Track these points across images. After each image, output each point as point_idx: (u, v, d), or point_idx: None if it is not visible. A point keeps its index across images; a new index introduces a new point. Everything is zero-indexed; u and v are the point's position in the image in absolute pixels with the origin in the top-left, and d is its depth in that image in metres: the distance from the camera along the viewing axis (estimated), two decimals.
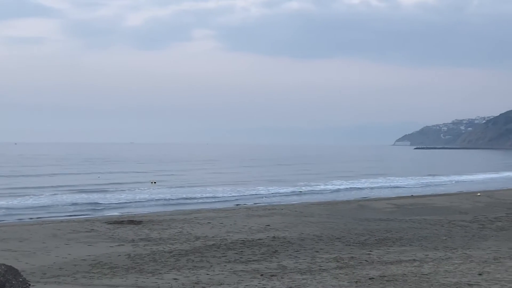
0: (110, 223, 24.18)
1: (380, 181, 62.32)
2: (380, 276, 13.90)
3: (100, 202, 38.05)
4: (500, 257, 16.40)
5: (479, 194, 38.88)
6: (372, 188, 53.09)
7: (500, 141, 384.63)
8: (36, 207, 35.15)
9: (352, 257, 16.66)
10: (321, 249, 18.20)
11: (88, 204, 37.40)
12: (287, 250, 17.95)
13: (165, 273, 14.74)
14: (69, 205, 36.55)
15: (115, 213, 32.41)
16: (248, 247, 18.43)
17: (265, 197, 43.88)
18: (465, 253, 17.20)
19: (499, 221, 25.11)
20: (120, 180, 58.93)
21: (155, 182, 55.56)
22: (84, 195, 42.55)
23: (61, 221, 26.29)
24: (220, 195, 44.09)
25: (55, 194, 42.33)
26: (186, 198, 41.42)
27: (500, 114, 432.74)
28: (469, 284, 12.91)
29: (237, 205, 36.50)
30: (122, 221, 24.98)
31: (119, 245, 18.98)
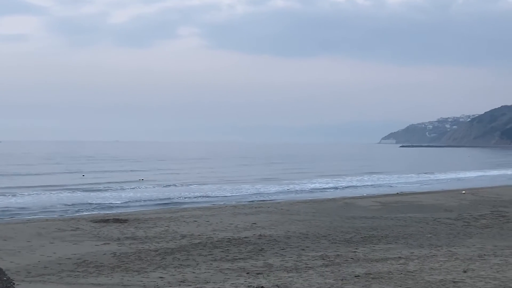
0: (96, 222, 24.08)
1: (366, 179, 62.57)
2: (366, 274, 13.94)
3: (85, 201, 37.86)
4: (484, 255, 16.52)
5: (464, 192, 39.10)
6: (357, 186, 53.27)
7: (485, 139, 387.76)
8: (19, 206, 34.87)
9: (338, 255, 16.71)
10: (307, 247, 18.23)
11: (73, 202, 37.20)
12: (273, 248, 17.96)
13: (151, 271, 14.70)
14: (54, 204, 36.32)
15: (101, 211, 32.28)
16: (234, 245, 18.43)
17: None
18: (450, 251, 17.30)
19: (484, 218, 25.28)
20: (105, 179, 58.70)
21: (142, 180, 55.41)
22: (68, 194, 42.34)
23: (46, 220, 26.14)
24: (209, 193, 44.04)
25: (39, 193, 42.06)
26: (172, 198, 41.28)
27: (485, 112, 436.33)
28: (454, 281, 12.98)
29: (224, 203, 36.48)
30: (108, 219, 24.88)
31: (104, 243, 18.90)
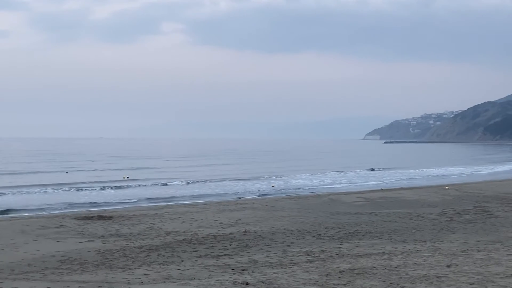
0: (80, 219, 23.96)
1: (350, 175, 62.78)
2: (350, 269, 14.00)
3: (69, 198, 37.64)
4: (467, 250, 16.64)
5: (447, 187, 39.36)
6: (342, 182, 53.42)
7: (468, 135, 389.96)
8: (2, 204, 34.58)
9: (323, 251, 16.76)
10: (292, 243, 18.27)
11: (56, 200, 36.98)
12: (258, 244, 17.98)
13: (135, 268, 14.67)
14: (37, 201, 36.07)
15: (85, 208, 32.11)
16: (219, 242, 18.42)
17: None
18: (434, 246, 17.42)
19: (467, 214, 25.47)
20: (89, 175, 58.41)
21: (128, 177, 55.19)
22: (51, 191, 42.08)
23: (30, 217, 25.97)
24: (194, 190, 43.98)
25: (21, 191, 41.74)
26: (156, 195, 41.14)
27: (468, 109, 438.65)
28: (437, 276, 13.07)
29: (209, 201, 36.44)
30: (92, 216, 24.77)
31: (88, 240, 18.83)
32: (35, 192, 41.21)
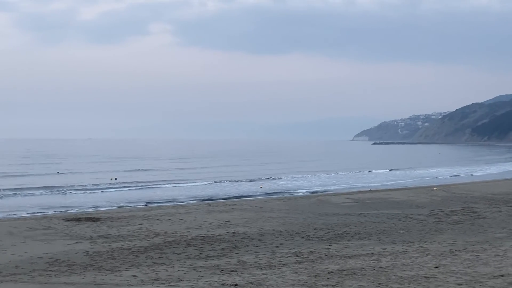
0: (68, 220, 23.86)
1: (339, 176, 62.88)
2: (339, 270, 14.02)
3: (58, 199, 37.48)
4: (455, 250, 16.71)
5: (435, 188, 39.49)
6: (331, 183, 53.50)
7: (456, 136, 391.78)
8: None
9: (312, 252, 16.78)
10: (280, 244, 18.27)
11: (46, 201, 36.83)
12: (247, 246, 17.97)
13: (124, 270, 14.62)
14: (26, 202, 35.90)
15: (73, 210, 31.97)
16: (208, 243, 18.40)
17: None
18: (422, 247, 17.48)
19: (455, 214, 25.57)
20: (79, 177, 58.18)
21: (116, 179, 55.00)
22: (42, 192, 41.88)
23: (17, 219, 25.83)
24: (183, 192, 43.91)
25: (9, 193, 41.51)
26: (145, 196, 41.04)
27: (456, 110, 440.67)
28: (425, 277, 13.11)
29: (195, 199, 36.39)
30: (80, 218, 24.66)
31: (77, 242, 18.74)
32: (23, 194, 40.97)
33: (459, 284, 12.42)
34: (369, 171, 71.20)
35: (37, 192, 42.05)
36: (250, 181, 54.75)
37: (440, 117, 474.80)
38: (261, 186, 49.08)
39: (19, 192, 41.82)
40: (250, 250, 17.20)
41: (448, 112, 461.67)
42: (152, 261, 15.67)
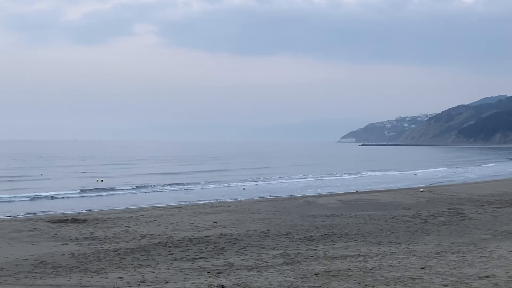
0: (54, 222, 23.72)
1: (326, 177, 63.00)
2: (326, 271, 14.03)
3: (43, 201, 37.22)
4: (441, 251, 16.78)
5: (421, 189, 39.63)
6: (318, 184, 53.57)
7: (442, 137, 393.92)
8: None
9: (298, 253, 16.78)
10: (267, 245, 18.27)
11: (30, 202, 36.58)
12: (234, 247, 17.95)
13: (110, 272, 14.55)
14: (11, 203, 35.64)
15: (59, 211, 31.78)
16: (194, 245, 18.36)
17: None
18: (408, 248, 17.54)
19: (441, 216, 25.69)
20: (64, 178, 57.87)
21: (102, 180, 54.77)
22: (26, 194, 41.59)
23: (3, 220, 25.65)
24: (169, 194, 43.77)
25: None
26: (131, 198, 40.86)
27: (442, 112, 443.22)
28: (412, 278, 13.15)
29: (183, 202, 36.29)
30: (66, 219, 24.53)
31: (62, 244, 18.64)
32: (9, 194, 40.68)
33: (445, 285, 12.47)
34: (356, 173, 71.37)
35: (22, 195, 41.68)
36: (236, 182, 54.64)
37: (427, 119, 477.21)
38: (243, 187, 48.99)
39: (2, 193, 41.48)
40: (237, 252, 17.18)
41: (434, 114, 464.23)
42: (139, 263, 15.61)
